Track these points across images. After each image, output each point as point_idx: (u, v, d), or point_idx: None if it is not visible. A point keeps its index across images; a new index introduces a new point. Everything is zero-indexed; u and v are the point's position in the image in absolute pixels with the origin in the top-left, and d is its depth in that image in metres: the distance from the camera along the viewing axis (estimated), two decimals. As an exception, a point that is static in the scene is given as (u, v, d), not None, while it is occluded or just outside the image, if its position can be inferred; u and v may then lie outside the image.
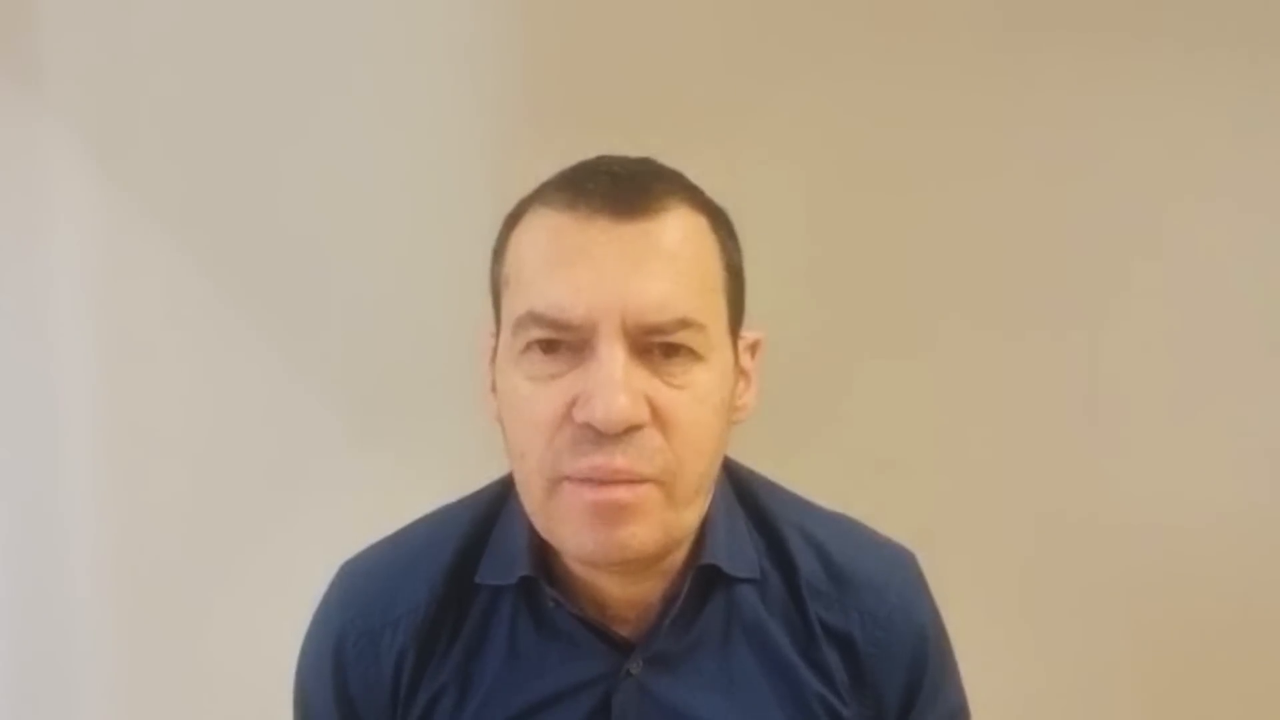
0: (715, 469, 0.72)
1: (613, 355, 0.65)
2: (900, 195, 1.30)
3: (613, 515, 0.66)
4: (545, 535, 0.71)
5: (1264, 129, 1.31)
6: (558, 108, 1.27)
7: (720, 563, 0.74)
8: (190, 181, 1.29)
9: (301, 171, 1.29)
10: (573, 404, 0.65)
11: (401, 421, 1.31)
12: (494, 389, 0.72)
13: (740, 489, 0.80)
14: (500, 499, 0.78)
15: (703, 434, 0.68)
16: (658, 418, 0.66)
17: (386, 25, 1.28)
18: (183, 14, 1.27)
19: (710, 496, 0.73)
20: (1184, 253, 1.32)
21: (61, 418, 1.31)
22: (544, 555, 0.74)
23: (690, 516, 0.70)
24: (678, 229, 0.68)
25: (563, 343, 0.66)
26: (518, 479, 0.71)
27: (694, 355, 0.67)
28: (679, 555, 0.74)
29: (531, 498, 0.69)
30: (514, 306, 0.68)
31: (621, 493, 0.65)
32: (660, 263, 0.66)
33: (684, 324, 0.66)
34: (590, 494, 0.66)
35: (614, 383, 0.64)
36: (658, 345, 0.66)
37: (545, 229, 0.69)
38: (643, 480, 0.66)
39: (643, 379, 0.66)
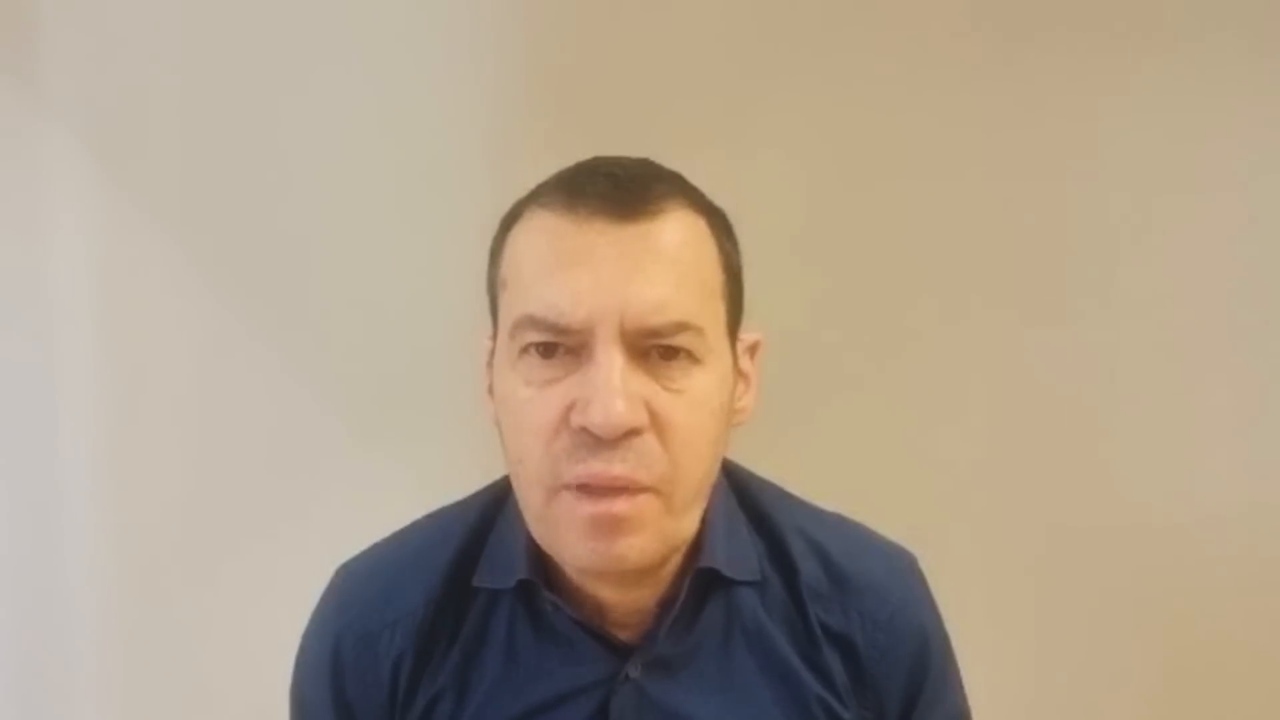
0: (714, 473, 0.71)
1: (611, 359, 0.64)
2: (900, 195, 1.30)
3: (611, 528, 0.65)
4: (543, 544, 0.70)
5: (1262, 125, 1.30)
6: (558, 108, 1.27)
7: (719, 566, 0.74)
8: (190, 181, 1.29)
9: (302, 172, 1.29)
10: (570, 409, 0.65)
11: (401, 422, 1.31)
12: (491, 392, 0.72)
13: (740, 491, 0.79)
14: (498, 501, 0.78)
15: (701, 439, 0.67)
16: (656, 422, 0.65)
17: (387, 25, 1.28)
18: (182, 13, 1.27)
19: (708, 500, 0.72)
20: (1184, 253, 1.31)
21: (61, 417, 1.31)
22: (542, 558, 0.73)
23: (688, 523, 0.70)
24: (677, 231, 0.67)
25: (560, 346, 0.66)
26: (516, 485, 0.70)
27: (692, 359, 0.67)
28: (678, 559, 0.73)
29: (530, 506, 0.69)
30: (511, 310, 0.68)
31: (620, 506, 0.65)
32: (659, 266, 0.66)
33: (682, 327, 0.66)
34: (589, 507, 0.65)
35: (612, 387, 0.63)
36: (656, 349, 0.65)
37: (543, 231, 0.68)
38: (641, 490, 0.65)
39: (641, 383, 0.65)
